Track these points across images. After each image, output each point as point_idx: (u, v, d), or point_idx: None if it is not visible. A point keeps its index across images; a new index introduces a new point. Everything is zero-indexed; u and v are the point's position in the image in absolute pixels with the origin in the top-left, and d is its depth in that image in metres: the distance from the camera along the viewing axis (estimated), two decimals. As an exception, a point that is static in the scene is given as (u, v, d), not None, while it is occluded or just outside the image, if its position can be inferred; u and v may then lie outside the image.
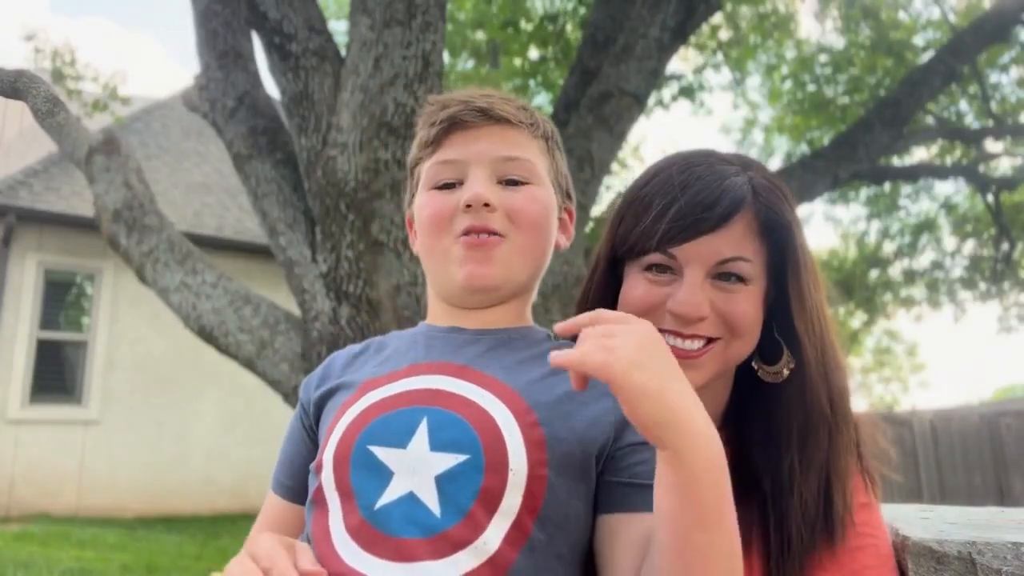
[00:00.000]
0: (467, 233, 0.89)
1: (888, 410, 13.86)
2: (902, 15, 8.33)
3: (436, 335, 0.95)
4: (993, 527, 0.97)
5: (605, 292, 1.02)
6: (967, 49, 5.81)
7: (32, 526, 6.87)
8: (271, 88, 3.71)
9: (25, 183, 8.36)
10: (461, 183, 0.92)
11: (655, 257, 0.94)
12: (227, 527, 7.60)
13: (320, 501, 0.81)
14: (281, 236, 3.36)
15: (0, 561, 4.99)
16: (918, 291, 11.66)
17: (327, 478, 0.81)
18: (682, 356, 0.91)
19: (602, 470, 0.81)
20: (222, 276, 3.39)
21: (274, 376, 3.24)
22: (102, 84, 6.66)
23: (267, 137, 3.49)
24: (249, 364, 3.29)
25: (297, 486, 0.94)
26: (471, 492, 0.74)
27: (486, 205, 0.89)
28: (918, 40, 8.33)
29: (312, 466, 0.86)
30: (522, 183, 0.93)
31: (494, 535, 0.73)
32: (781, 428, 0.94)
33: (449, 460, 0.76)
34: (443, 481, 0.75)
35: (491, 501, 0.74)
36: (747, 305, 0.93)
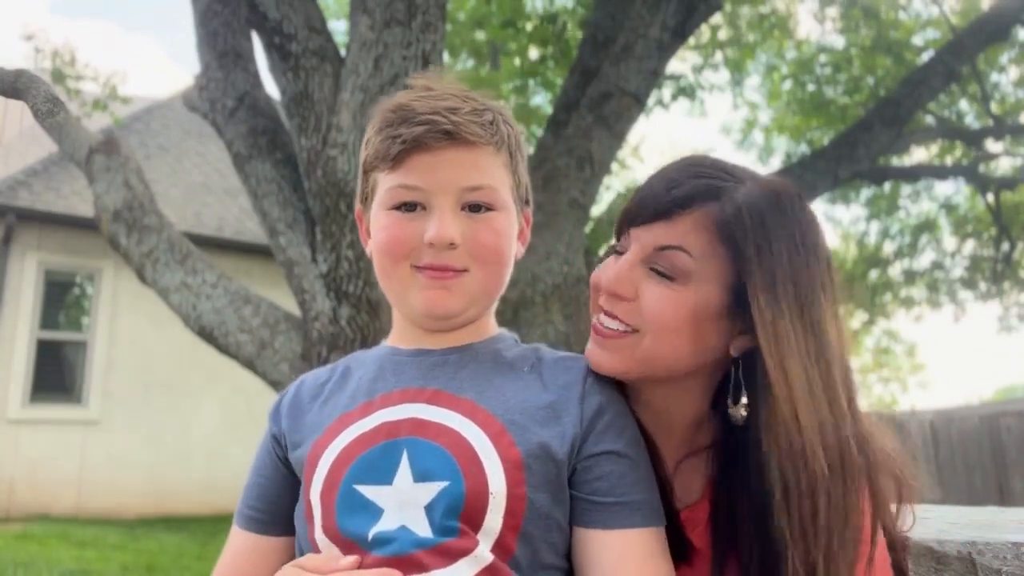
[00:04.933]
0: (428, 268, 0.88)
1: (888, 410, 13.85)
2: (902, 15, 8.33)
3: (403, 360, 0.93)
4: (993, 527, 0.97)
5: None
6: (967, 49, 5.81)
7: (32, 526, 6.87)
8: (271, 88, 3.71)
9: (25, 183, 8.36)
10: (423, 207, 0.89)
11: (620, 241, 0.97)
12: (227, 527, 7.55)
13: (314, 550, 0.83)
14: (281, 236, 3.36)
15: (0, 561, 4.99)
16: (918, 291, 11.65)
17: (317, 524, 0.82)
18: (599, 333, 0.93)
19: (570, 482, 0.83)
20: (222, 276, 3.38)
21: (274, 376, 3.24)
22: (102, 84, 6.66)
23: (267, 137, 3.49)
24: (249, 364, 3.29)
25: (267, 518, 0.93)
26: (455, 516, 0.77)
27: (452, 245, 0.87)
28: (918, 40, 8.32)
29: (299, 512, 0.86)
30: (485, 209, 0.90)
31: (484, 549, 0.76)
32: (763, 485, 0.84)
33: (432, 489, 0.78)
34: (430, 510, 0.77)
35: (475, 522, 0.77)
36: (664, 302, 0.88)
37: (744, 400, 0.89)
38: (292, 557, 0.87)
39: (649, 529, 0.83)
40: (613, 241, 1.00)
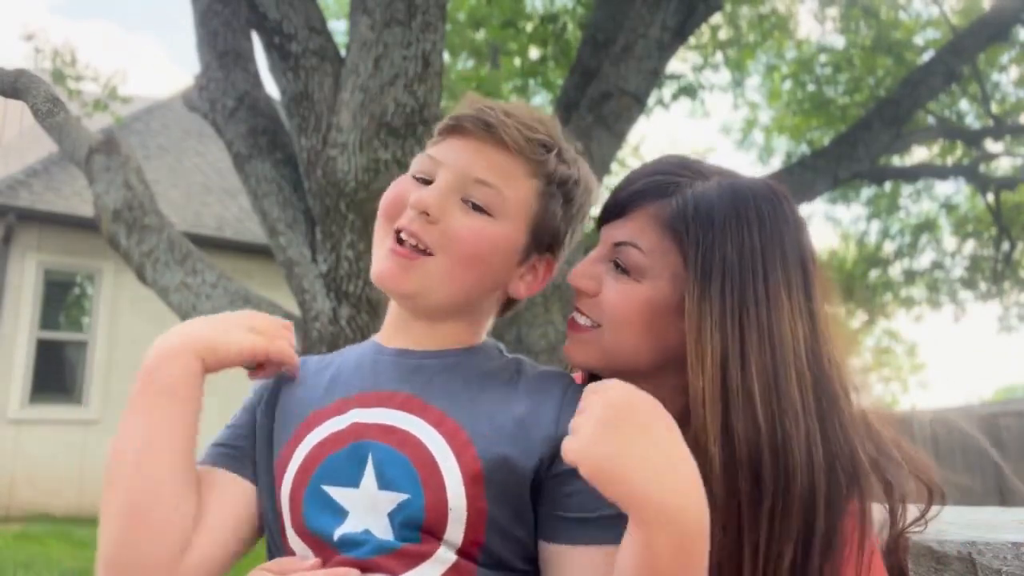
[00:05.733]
0: (398, 232, 0.87)
1: (888, 410, 13.83)
2: (902, 15, 8.33)
3: (383, 359, 0.92)
4: (993, 527, 0.97)
5: None
6: (967, 49, 5.81)
7: (32, 526, 6.87)
8: (271, 88, 3.71)
9: (25, 183, 8.36)
10: (430, 181, 0.90)
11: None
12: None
13: (286, 548, 0.83)
14: (281, 236, 3.36)
15: (0, 561, 4.99)
16: (918, 291, 11.66)
17: (287, 522, 0.83)
18: (572, 327, 0.96)
19: (536, 498, 0.82)
20: (222, 276, 3.38)
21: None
22: (102, 84, 6.66)
23: (267, 137, 3.49)
24: (249, 364, 3.29)
25: (240, 453, 0.90)
26: (416, 528, 0.77)
27: (425, 213, 0.85)
28: (918, 40, 8.33)
29: (268, 511, 0.86)
30: (482, 211, 0.87)
31: (447, 551, 0.77)
32: (713, 495, 0.79)
33: (394, 499, 0.78)
34: (392, 519, 0.78)
35: (436, 534, 0.77)
36: (619, 296, 0.90)
37: None
38: (257, 511, 0.87)
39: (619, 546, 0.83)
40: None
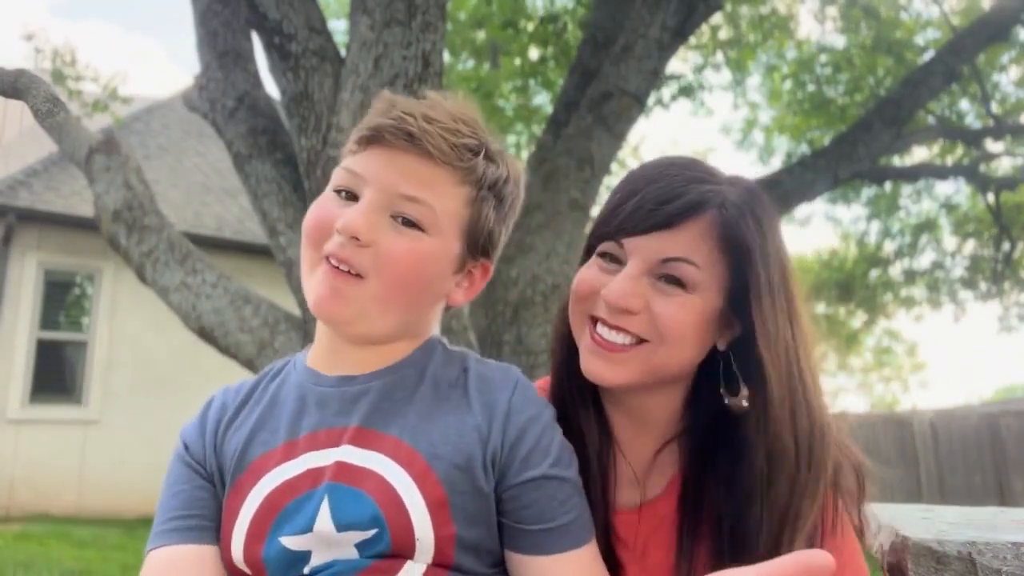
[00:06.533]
0: (327, 258, 0.83)
1: (888, 410, 13.85)
2: (903, 15, 8.33)
3: (327, 392, 0.87)
4: (993, 527, 0.97)
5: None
6: (967, 49, 5.82)
7: (32, 526, 6.87)
8: (271, 88, 3.71)
9: (25, 183, 8.36)
10: (357, 199, 0.85)
11: (608, 246, 0.94)
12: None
13: None
14: (281, 236, 3.36)
15: (0, 561, 4.99)
16: (918, 291, 11.66)
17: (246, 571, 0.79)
18: (604, 347, 0.91)
19: (497, 509, 0.82)
20: (222, 276, 3.39)
21: (274, 376, 3.23)
22: (102, 84, 6.67)
23: (267, 137, 3.49)
24: (249, 364, 3.29)
25: (203, 523, 0.83)
26: (386, 555, 0.77)
27: (355, 238, 0.81)
28: (918, 40, 8.33)
29: (223, 561, 0.82)
30: (413, 227, 0.83)
31: (417, 568, 0.77)
32: (747, 474, 0.88)
33: (356, 537, 0.77)
34: (360, 548, 0.77)
35: (405, 556, 0.77)
36: (680, 312, 0.89)
37: (745, 391, 0.91)
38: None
39: (581, 549, 0.83)
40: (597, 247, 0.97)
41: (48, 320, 8.42)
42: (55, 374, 8.43)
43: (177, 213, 8.61)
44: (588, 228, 1.02)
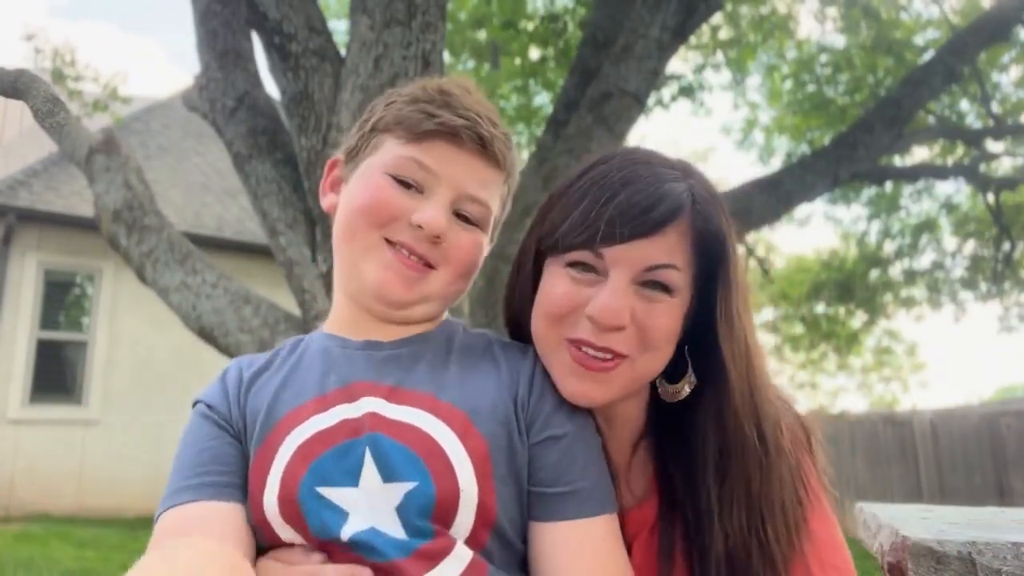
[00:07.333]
0: (400, 248, 0.87)
1: (888, 410, 13.86)
2: (903, 15, 8.33)
3: (353, 353, 0.88)
4: (993, 527, 0.97)
5: (526, 286, 0.96)
6: (967, 49, 5.81)
7: (32, 526, 6.87)
8: (271, 88, 3.71)
9: (25, 183, 8.36)
10: (420, 190, 0.88)
11: (581, 255, 0.87)
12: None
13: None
14: (281, 236, 3.36)
15: (0, 561, 4.99)
16: (918, 291, 11.66)
17: (279, 525, 0.78)
18: (594, 368, 0.86)
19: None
20: (222, 276, 3.38)
21: (274, 376, 3.23)
22: (102, 84, 6.67)
23: (267, 137, 3.49)
24: (249, 364, 3.29)
25: (228, 480, 0.81)
26: (427, 517, 0.75)
27: (436, 237, 0.86)
28: (918, 40, 8.33)
29: (250, 518, 0.80)
30: (473, 225, 0.91)
31: (463, 547, 0.76)
32: (697, 457, 0.89)
33: (401, 490, 0.76)
34: (401, 511, 0.76)
35: (447, 521, 0.76)
36: (666, 319, 0.87)
37: (694, 380, 0.92)
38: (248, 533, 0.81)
39: (600, 517, 0.82)
40: (569, 257, 0.90)
41: (48, 320, 8.42)
42: (55, 374, 8.44)
43: (177, 213, 8.61)
44: (524, 234, 0.97)
